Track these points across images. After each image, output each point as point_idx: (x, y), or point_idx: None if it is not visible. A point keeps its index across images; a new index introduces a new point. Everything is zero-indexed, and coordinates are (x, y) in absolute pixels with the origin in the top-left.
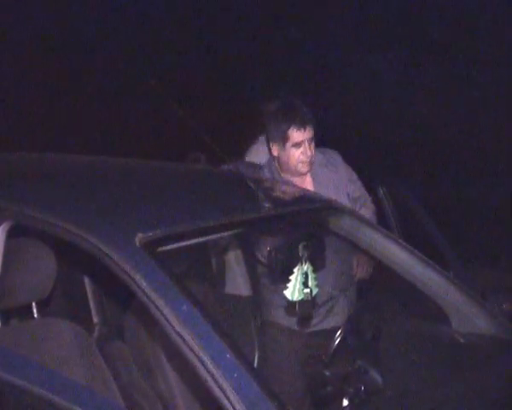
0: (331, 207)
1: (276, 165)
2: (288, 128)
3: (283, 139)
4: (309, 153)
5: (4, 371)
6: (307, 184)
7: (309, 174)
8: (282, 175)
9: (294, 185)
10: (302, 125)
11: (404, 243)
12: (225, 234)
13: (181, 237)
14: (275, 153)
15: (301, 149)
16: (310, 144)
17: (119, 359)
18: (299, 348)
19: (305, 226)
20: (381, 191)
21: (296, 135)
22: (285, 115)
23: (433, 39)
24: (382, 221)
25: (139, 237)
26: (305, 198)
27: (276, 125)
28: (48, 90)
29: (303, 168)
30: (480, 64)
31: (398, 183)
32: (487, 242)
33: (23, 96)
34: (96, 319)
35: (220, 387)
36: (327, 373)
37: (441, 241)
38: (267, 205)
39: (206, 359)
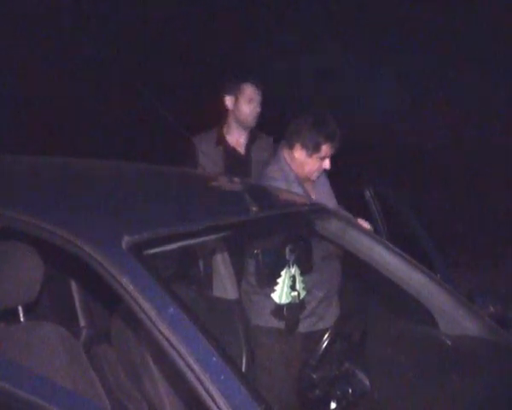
0: (319, 210)
1: (291, 168)
2: (325, 142)
3: (314, 149)
4: (328, 166)
5: None
6: (310, 189)
7: (312, 184)
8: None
9: (282, 189)
10: (334, 142)
11: (392, 246)
12: (213, 237)
13: (168, 240)
14: (300, 157)
15: (325, 162)
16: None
17: (106, 362)
18: (286, 351)
19: (292, 229)
20: (367, 193)
21: (326, 149)
22: (324, 129)
23: (421, 44)
24: (369, 224)
25: (126, 240)
26: (292, 201)
27: (312, 135)
28: (32, 91)
29: (315, 177)
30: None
31: (385, 185)
32: (474, 244)
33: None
34: (82, 322)
35: (207, 390)
36: (314, 376)
37: (428, 243)
38: (254, 208)
39: (192, 362)
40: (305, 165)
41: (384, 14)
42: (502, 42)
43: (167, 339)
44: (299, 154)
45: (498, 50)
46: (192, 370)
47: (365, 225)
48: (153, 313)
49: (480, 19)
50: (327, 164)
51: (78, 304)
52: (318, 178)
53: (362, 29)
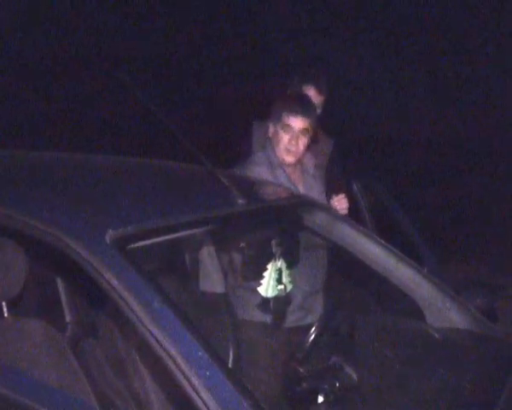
0: (305, 204)
1: (275, 154)
2: (286, 111)
3: (277, 119)
4: (294, 142)
5: None
6: (297, 178)
7: (301, 176)
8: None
9: (269, 182)
10: (297, 113)
11: (379, 239)
12: (198, 230)
13: (152, 234)
14: (272, 135)
15: (289, 135)
16: (299, 137)
17: (92, 357)
18: (273, 345)
19: (279, 222)
20: (355, 187)
21: (287, 119)
22: (287, 101)
23: (410, 39)
24: (357, 216)
25: (110, 234)
26: (279, 194)
27: (276, 108)
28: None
29: (287, 157)
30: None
31: (373, 178)
32: (461, 237)
33: None
34: (68, 318)
35: (193, 385)
36: (301, 370)
37: (415, 236)
38: (241, 201)
39: (177, 357)
40: (279, 142)
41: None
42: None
43: (152, 334)
44: (271, 133)
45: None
46: (178, 365)
47: (342, 203)
48: (138, 308)
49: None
50: (291, 138)
51: (63, 299)
52: (308, 170)
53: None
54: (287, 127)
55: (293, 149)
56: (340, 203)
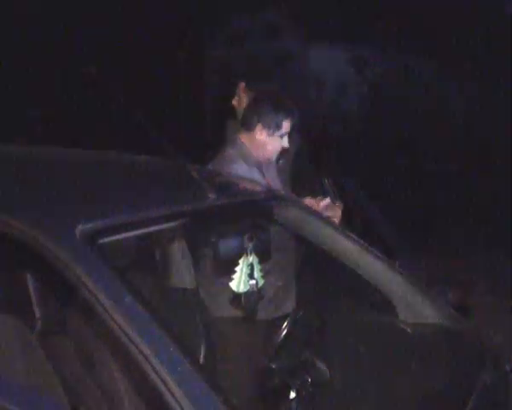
0: (277, 198)
1: (250, 152)
2: (285, 119)
3: (276, 127)
4: (287, 144)
5: None
6: (270, 174)
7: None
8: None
9: (241, 177)
10: (293, 118)
11: (351, 234)
12: (169, 225)
13: (123, 229)
14: (262, 138)
15: (284, 140)
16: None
17: (62, 354)
18: (245, 340)
19: (250, 217)
20: (326, 182)
21: (286, 126)
22: (282, 107)
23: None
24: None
25: (79, 229)
26: (250, 189)
27: (272, 114)
28: None
29: (274, 157)
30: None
31: (343, 173)
32: (434, 231)
33: None
34: (37, 314)
35: (164, 382)
36: (273, 366)
37: (387, 231)
38: (212, 195)
39: (148, 353)
40: (267, 145)
41: None
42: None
43: (123, 330)
44: (259, 135)
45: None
46: (149, 361)
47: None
48: (108, 304)
49: None
50: (285, 142)
51: (32, 295)
52: (270, 164)
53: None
54: (283, 134)
55: (281, 148)
56: (334, 211)
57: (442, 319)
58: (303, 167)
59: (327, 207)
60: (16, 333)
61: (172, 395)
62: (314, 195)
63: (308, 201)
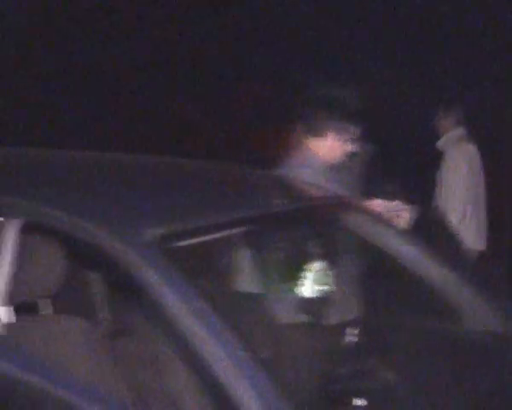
0: (343, 203)
1: (314, 154)
2: (351, 123)
3: (346, 132)
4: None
5: (10, 367)
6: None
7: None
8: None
9: (307, 182)
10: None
11: (417, 240)
12: (236, 230)
13: (192, 234)
14: (332, 144)
15: (351, 143)
16: None
17: (128, 356)
18: (310, 346)
19: (316, 223)
20: (395, 185)
21: (353, 130)
22: (351, 114)
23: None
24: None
25: (150, 233)
26: (317, 194)
27: (343, 121)
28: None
29: (341, 161)
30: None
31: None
32: None
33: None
34: (104, 316)
35: (233, 384)
36: (338, 371)
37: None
38: (279, 201)
39: (217, 356)
40: (334, 149)
41: None
42: None
43: (194, 333)
44: (325, 139)
45: None
46: (219, 365)
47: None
48: (179, 307)
49: None
50: (352, 146)
51: (99, 297)
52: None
53: None
54: (351, 136)
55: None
56: (403, 214)
57: (509, 328)
58: (373, 170)
59: (396, 209)
60: (83, 334)
61: (242, 397)
62: (384, 197)
63: (377, 203)
